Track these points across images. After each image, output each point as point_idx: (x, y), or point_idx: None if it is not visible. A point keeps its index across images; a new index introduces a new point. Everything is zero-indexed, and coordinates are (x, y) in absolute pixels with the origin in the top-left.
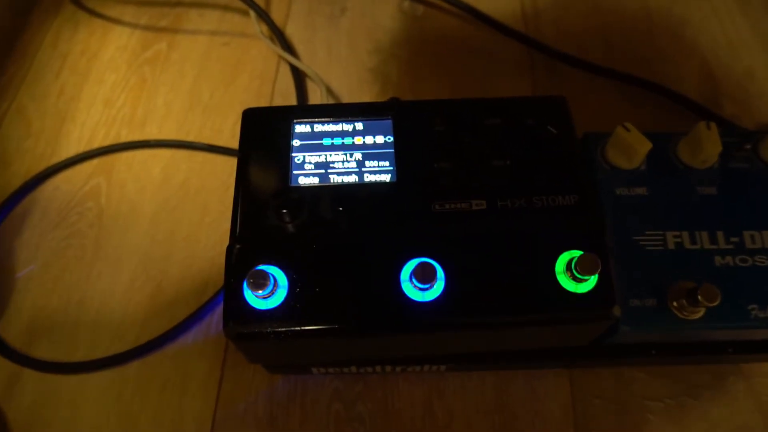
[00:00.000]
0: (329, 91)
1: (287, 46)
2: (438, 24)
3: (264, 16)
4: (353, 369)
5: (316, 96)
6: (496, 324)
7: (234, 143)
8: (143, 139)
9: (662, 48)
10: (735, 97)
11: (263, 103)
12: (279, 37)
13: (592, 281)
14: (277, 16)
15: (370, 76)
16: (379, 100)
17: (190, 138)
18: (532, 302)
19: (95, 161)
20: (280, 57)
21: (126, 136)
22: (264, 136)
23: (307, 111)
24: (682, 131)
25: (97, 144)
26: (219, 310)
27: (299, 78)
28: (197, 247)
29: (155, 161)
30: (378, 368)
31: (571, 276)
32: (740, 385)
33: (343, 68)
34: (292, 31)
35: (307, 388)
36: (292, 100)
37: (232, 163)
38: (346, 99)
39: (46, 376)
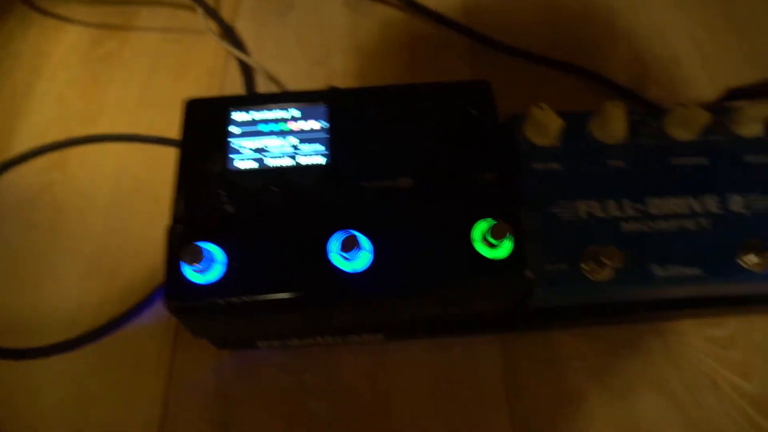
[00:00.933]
0: (277, 85)
1: (236, 42)
2: (383, 18)
3: (212, 12)
4: (296, 341)
5: (264, 89)
6: (420, 291)
7: None
8: (96, 134)
9: (596, 36)
10: (661, 82)
11: None
12: (228, 33)
13: (506, 248)
14: (226, 12)
15: (318, 70)
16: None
17: (142, 132)
18: (452, 269)
19: (49, 156)
20: (228, 53)
21: (79, 132)
22: (205, 124)
23: (246, 100)
24: (594, 110)
25: (50, 140)
26: None
27: (248, 73)
28: (150, 236)
29: (108, 155)
30: (320, 339)
31: (486, 243)
32: (655, 341)
33: (291, 62)
34: (241, 27)
35: (255, 362)
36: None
37: None
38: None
39: (5, 362)
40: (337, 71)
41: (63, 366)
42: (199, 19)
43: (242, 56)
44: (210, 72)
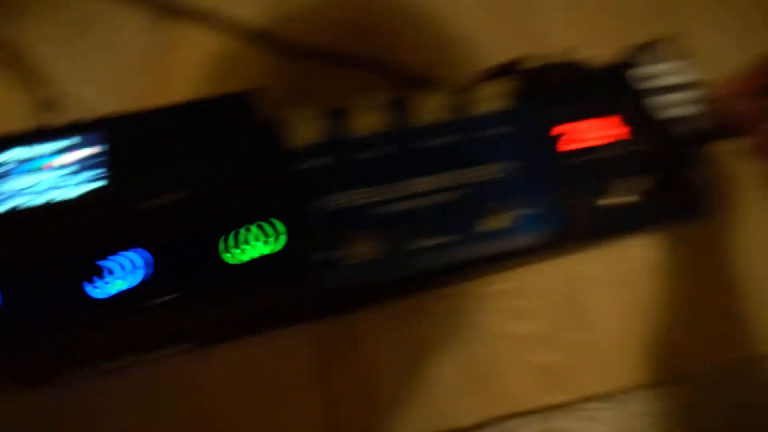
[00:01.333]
0: (75, 111)
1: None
2: (179, 36)
3: None
4: (107, 365)
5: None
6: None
7: None
8: None
9: (381, 24)
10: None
11: None
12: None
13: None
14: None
15: (113, 95)
16: None
17: None
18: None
19: None
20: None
21: None
22: None
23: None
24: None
25: None
26: None
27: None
28: None
29: None
30: (124, 361)
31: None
32: (442, 306)
33: (89, 87)
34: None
35: (64, 396)
36: None
37: None
38: None
39: None
40: (134, 94)
41: None
42: None
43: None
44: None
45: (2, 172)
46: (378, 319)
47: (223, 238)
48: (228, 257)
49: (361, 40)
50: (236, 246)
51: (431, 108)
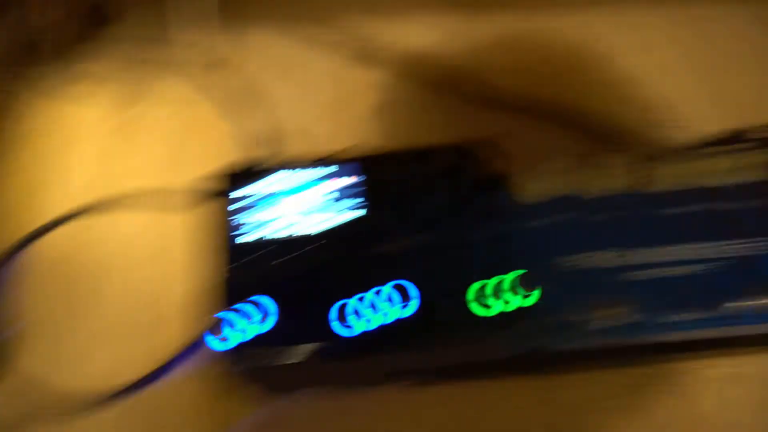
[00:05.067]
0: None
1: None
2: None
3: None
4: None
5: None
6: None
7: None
8: (118, 198)
9: (585, 82)
10: (657, 125)
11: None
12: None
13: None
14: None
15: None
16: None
17: (163, 196)
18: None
19: (77, 221)
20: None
21: (101, 199)
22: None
23: (270, 168)
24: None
25: (78, 205)
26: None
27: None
28: (175, 294)
29: (130, 219)
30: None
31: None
32: (665, 383)
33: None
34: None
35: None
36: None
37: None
38: None
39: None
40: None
41: (109, 419)
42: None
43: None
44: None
45: (265, 201)
46: (603, 386)
47: (474, 286)
48: (476, 307)
49: (557, 94)
50: (494, 295)
51: (676, 171)
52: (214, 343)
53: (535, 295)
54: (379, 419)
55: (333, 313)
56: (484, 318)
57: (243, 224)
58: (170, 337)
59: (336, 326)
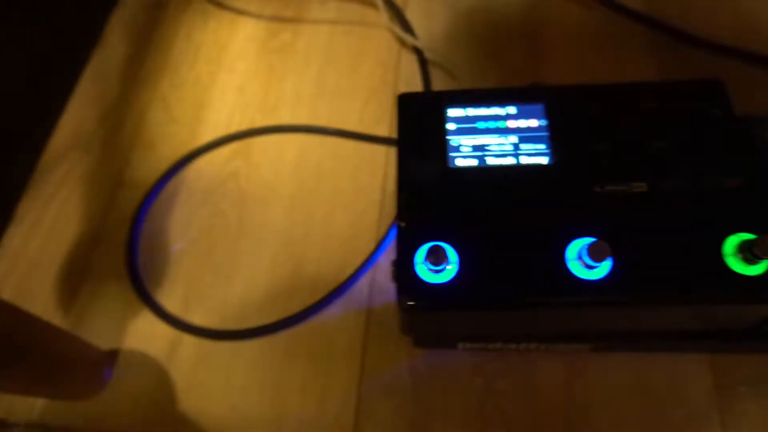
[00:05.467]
0: (453, 78)
1: (410, 32)
2: (558, 8)
3: (387, 1)
4: (498, 345)
5: (438, 83)
6: (662, 304)
7: (361, 128)
8: (276, 125)
9: None
10: None
11: (388, 90)
12: (403, 23)
13: (764, 265)
14: (396, 2)
15: (490, 62)
16: (503, 85)
17: (320, 123)
18: (701, 284)
19: (233, 145)
20: (403, 43)
21: (260, 122)
22: (420, 120)
23: (460, 96)
24: None
25: (233, 129)
26: (358, 286)
27: (424, 64)
28: (333, 227)
29: (289, 145)
30: (523, 345)
31: (744, 258)
32: None
33: (462, 54)
34: (411, 17)
35: (448, 362)
36: (415, 87)
37: (360, 147)
38: (468, 84)
39: (203, 342)
40: (512, 63)
41: (256, 350)
42: (366, 12)
43: (421, 47)
44: (383, 65)
45: (469, 127)
46: None
47: (728, 240)
48: (737, 265)
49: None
50: (757, 254)
51: None
52: (426, 275)
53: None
54: (546, 380)
55: (572, 251)
56: (747, 277)
57: (458, 146)
58: (336, 271)
59: (575, 267)
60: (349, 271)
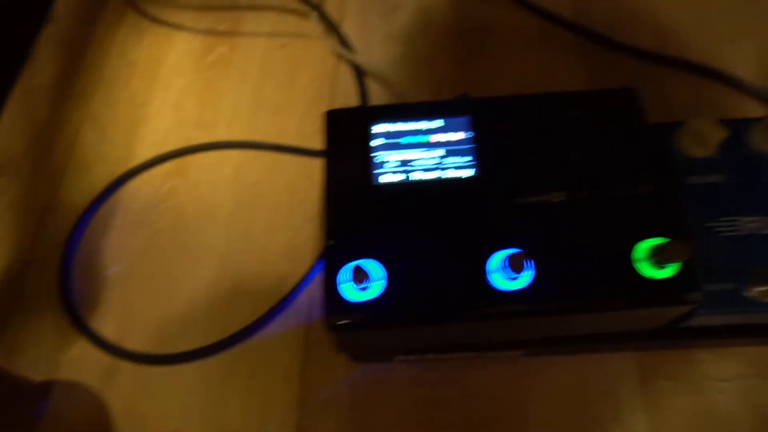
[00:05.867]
0: (390, 90)
1: (346, 46)
2: (489, 16)
3: (321, 16)
4: (433, 356)
5: (376, 94)
6: (580, 311)
7: (299, 141)
8: (213, 141)
9: (716, 30)
10: None
11: (325, 103)
12: (339, 36)
13: (674, 267)
14: (332, 14)
15: (427, 72)
16: (438, 97)
17: (257, 138)
18: (614, 289)
19: (170, 163)
20: (339, 57)
21: (197, 139)
22: (347, 136)
23: (385, 111)
24: (756, 118)
25: (169, 147)
26: (298, 303)
27: (361, 77)
28: (272, 243)
29: (226, 162)
30: (456, 355)
31: (654, 262)
32: None
33: (399, 65)
34: (348, 30)
35: (387, 375)
36: (352, 99)
37: (298, 162)
38: (406, 96)
39: (140, 367)
40: (447, 74)
41: (197, 372)
42: (304, 23)
43: (358, 60)
44: (320, 77)
45: (394, 143)
46: (727, 362)
47: (642, 245)
48: (646, 269)
49: (687, 44)
50: (664, 259)
51: None
52: (351, 293)
53: (674, 266)
54: (484, 387)
55: (493, 263)
56: (656, 281)
57: (383, 162)
58: (275, 287)
59: (497, 279)
60: (288, 287)
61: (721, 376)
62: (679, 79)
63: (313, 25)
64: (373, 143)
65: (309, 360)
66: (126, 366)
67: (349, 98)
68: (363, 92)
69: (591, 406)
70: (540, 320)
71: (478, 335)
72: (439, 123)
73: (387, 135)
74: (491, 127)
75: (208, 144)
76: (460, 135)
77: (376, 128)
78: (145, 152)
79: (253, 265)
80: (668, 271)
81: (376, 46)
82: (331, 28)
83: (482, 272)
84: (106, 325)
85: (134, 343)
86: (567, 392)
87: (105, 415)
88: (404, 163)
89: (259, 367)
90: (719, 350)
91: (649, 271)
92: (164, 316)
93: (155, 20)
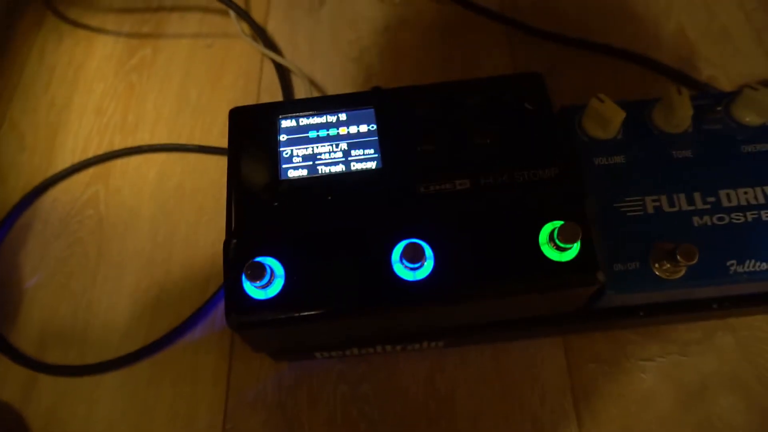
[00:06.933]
0: (313, 85)
1: (269, 43)
2: (415, 9)
3: (244, 15)
4: (355, 351)
5: (301, 91)
6: (485, 297)
7: (224, 142)
8: (136, 145)
9: (637, 14)
10: (711, 59)
11: (250, 100)
12: (260, 34)
13: (574, 249)
14: (257, 13)
15: (353, 66)
16: (363, 90)
17: (182, 140)
18: (518, 274)
19: (91, 170)
20: (263, 54)
21: (119, 143)
22: (252, 133)
23: (292, 106)
24: (656, 98)
25: (91, 153)
26: (222, 305)
27: (283, 74)
28: (196, 246)
29: (149, 166)
30: (379, 348)
31: (554, 246)
32: (728, 338)
33: (325, 61)
34: (273, 28)
35: (313, 372)
36: (278, 97)
37: (223, 162)
38: (330, 91)
39: (61, 379)
40: (374, 68)
41: (121, 380)
42: (230, 23)
43: (277, 58)
44: (245, 75)
45: (300, 137)
46: (649, 341)
47: (546, 228)
48: (550, 252)
49: (611, 30)
50: (561, 241)
51: (755, 107)
52: (252, 291)
53: (575, 248)
54: (409, 379)
55: (396, 254)
56: (559, 263)
57: (290, 157)
58: (200, 291)
59: (399, 270)
60: (213, 290)
61: (646, 355)
62: (601, 63)
63: (236, 25)
64: (281, 138)
65: (235, 362)
66: (46, 379)
67: (274, 95)
68: (286, 87)
69: (518, 392)
70: (446, 309)
71: (386, 327)
72: (343, 116)
73: (293, 130)
74: (395, 118)
75: (129, 149)
76: (364, 127)
77: (283, 124)
78: (65, 160)
79: (177, 270)
80: (570, 254)
81: (302, 41)
82: (254, 26)
83: (387, 264)
84: (26, 338)
85: (55, 355)
86: (493, 380)
87: (23, 429)
88: (309, 157)
89: (185, 371)
90: (642, 330)
91: (552, 254)
92: (85, 326)
93: (76, 24)
